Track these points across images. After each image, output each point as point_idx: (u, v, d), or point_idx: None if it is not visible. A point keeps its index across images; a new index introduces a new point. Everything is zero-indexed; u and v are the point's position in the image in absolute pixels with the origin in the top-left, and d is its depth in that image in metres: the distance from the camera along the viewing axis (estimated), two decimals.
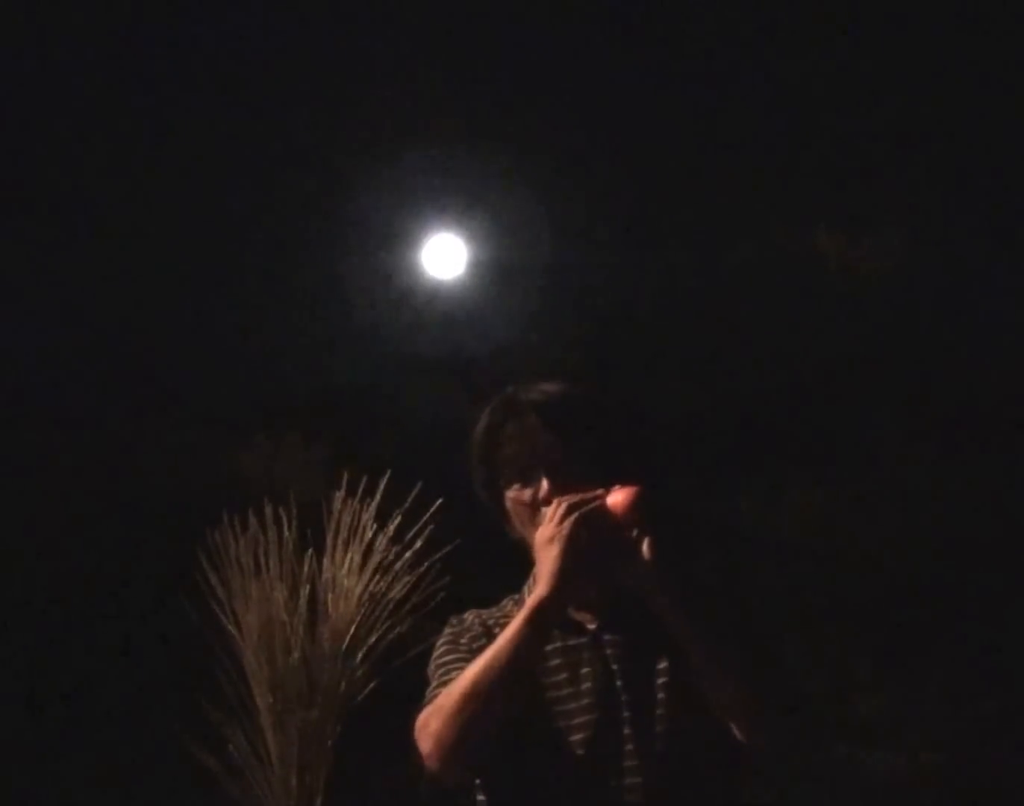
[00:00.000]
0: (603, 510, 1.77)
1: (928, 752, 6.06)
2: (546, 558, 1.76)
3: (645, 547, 1.75)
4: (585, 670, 1.83)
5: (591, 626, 1.86)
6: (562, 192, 7.15)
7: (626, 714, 1.79)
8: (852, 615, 6.42)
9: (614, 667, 1.82)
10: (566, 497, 1.78)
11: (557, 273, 7.17)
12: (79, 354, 6.86)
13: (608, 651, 1.83)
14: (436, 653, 1.92)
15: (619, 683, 1.81)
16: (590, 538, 1.75)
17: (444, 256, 7.12)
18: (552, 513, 1.78)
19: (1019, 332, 6.86)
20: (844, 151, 7.00)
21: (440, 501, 3.19)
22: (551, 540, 1.76)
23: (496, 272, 7.17)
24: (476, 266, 7.16)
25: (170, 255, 6.92)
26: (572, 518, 1.75)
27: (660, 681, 1.80)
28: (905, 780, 6.02)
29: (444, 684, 1.81)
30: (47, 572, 6.19)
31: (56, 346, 6.88)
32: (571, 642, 1.85)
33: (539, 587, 1.77)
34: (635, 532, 1.76)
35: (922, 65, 6.66)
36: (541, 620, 1.75)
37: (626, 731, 1.78)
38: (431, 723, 1.77)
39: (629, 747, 1.77)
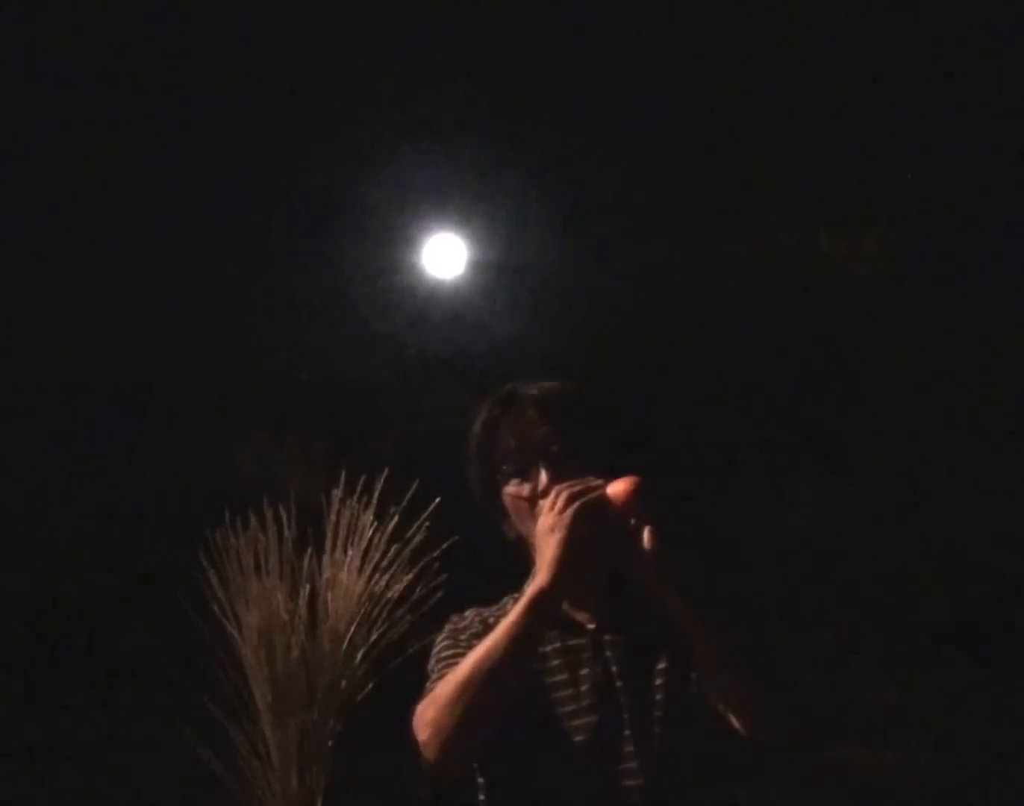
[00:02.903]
0: (603, 500, 1.76)
1: (928, 752, 6.06)
2: (546, 547, 1.76)
3: (645, 537, 1.74)
4: (585, 671, 1.83)
5: (590, 626, 1.86)
6: (562, 192, 7.16)
7: (626, 715, 1.79)
8: (852, 615, 6.42)
9: (613, 668, 1.82)
10: (565, 485, 1.78)
11: (557, 273, 7.18)
12: (78, 353, 6.87)
13: (607, 652, 1.84)
14: (436, 648, 1.93)
15: (619, 683, 1.81)
16: (590, 528, 1.75)
17: (444, 256, 7.12)
18: (552, 502, 1.77)
19: (1020, 331, 6.87)
20: (844, 151, 7.01)
21: (438, 500, 3.20)
22: (551, 529, 1.75)
23: (496, 272, 7.17)
24: (476, 266, 7.16)
25: (169, 255, 6.93)
26: (573, 508, 1.75)
27: (659, 681, 1.81)
28: (905, 780, 6.02)
29: (443, 677, 1.81)
30: (45, 571, 6.19)
31: (55, 345, 6.89)
32: (571, 642, 1.85)
33: (539, 575, 1.76)
34: (635, 522, 1.76)
35: (923, 63, 6.67)
36: (540, 609, 1.75)
37: (626, 732, 1.78)
38: (428, 712, 1.77)
39: (629, 748, 1.77)
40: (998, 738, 6.06)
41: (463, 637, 1.90)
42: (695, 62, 6.87)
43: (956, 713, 6.16)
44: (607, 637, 1.85)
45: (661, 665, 1.81)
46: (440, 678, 1.82)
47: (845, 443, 6.89)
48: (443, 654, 1.89)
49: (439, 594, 3.26)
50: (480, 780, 1.88)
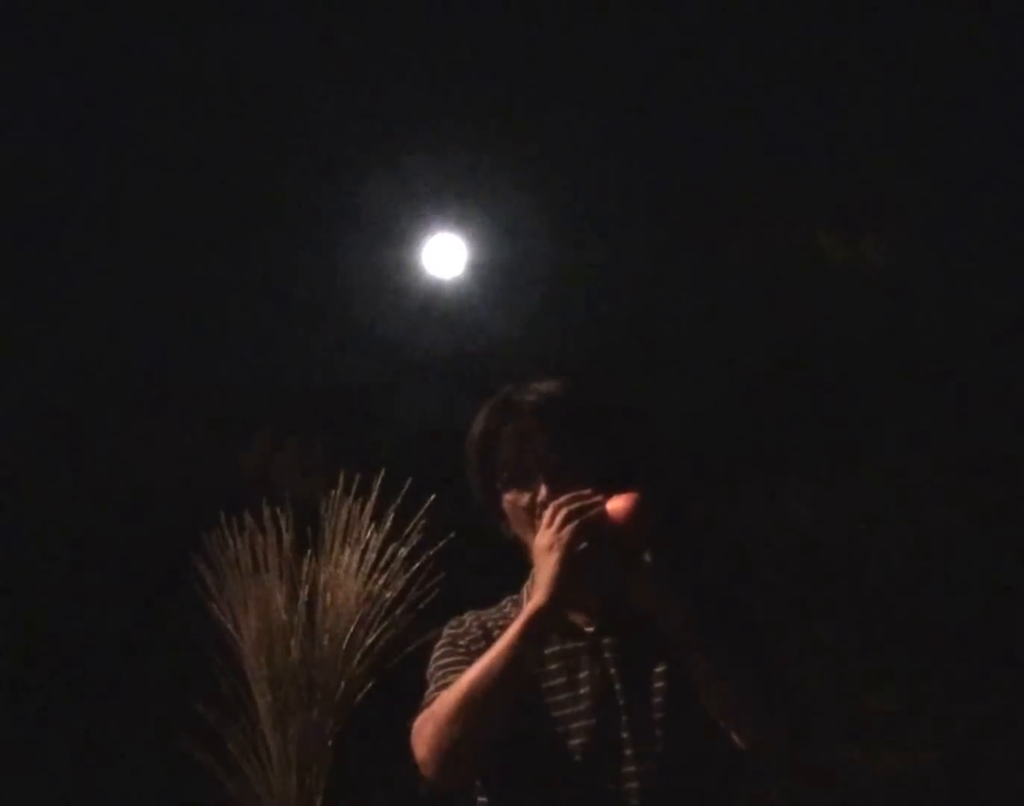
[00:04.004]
0: (603, 517, 1.73)
1: (928, 752, 6.06)
2: (544, 565, 1.74)
3: (646, 556, 1.74)
4: (583, 674, 1.82)
5: (589, 629, 1.85)
6: (562, 192, 7.16)
7: (624, 718, 1.78)
8: (853, 615, 6.42)
9: (612, 671, 1.81)
10: (564, 500, 1.75)
11: (557, 273, 7.18)
12: (77, 353, 6.87)
13: (606, 654, 1.82)
14: (434, 655, 1.91)
15: (617, 686, 1.80)
16: (590, 546, 1.73)
17: (444, 256, 7.12)
18: (550, 519, 1.75)
19: (1020, 332, 6.86)
20: (845, 151, 7.00)
21: (433, 498, 3.20)
22: (550, 547, 1.73)
23: (496, 272, 7.17)
24: (476, 266, 7.16)
25: (169, 255, 6.92)
26: (572, 526, 1.72)
27: (658, 684, 1.79)
28: (905, 780, 6.02)
29: (441, 687, 1.80)
30: (44, 571, 6.19)
31: (54, 345, 6.89)
32: (569, 646, 1.84)
33: (536, 595, 1.75)
34: (636, 540, 1.74)
35: (924, 63, 6.67)
36: (537, 628, 1.74)
37: (624, 735, 1.77)
38: (425, 729, 1.76)
39: (628, 751, 1.76)
40: (998, 738, 6.06)
41: (461, 643, 1.89)
42: (696, 62, 6.87)
43: (956, 713, 6.16)
44: (606, 640, 1.83)
45: (660, 668, 1.80)
46: (438, 688, 1.81)
47: (845, 443, 6.89)
48: (441, 662, 1.88)
49: (436, 592, 3.26)
50: (479, 782, 1.87)
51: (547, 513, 1.76)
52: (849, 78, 6.84)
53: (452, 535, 3.17)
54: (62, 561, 6.26)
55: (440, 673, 1.85)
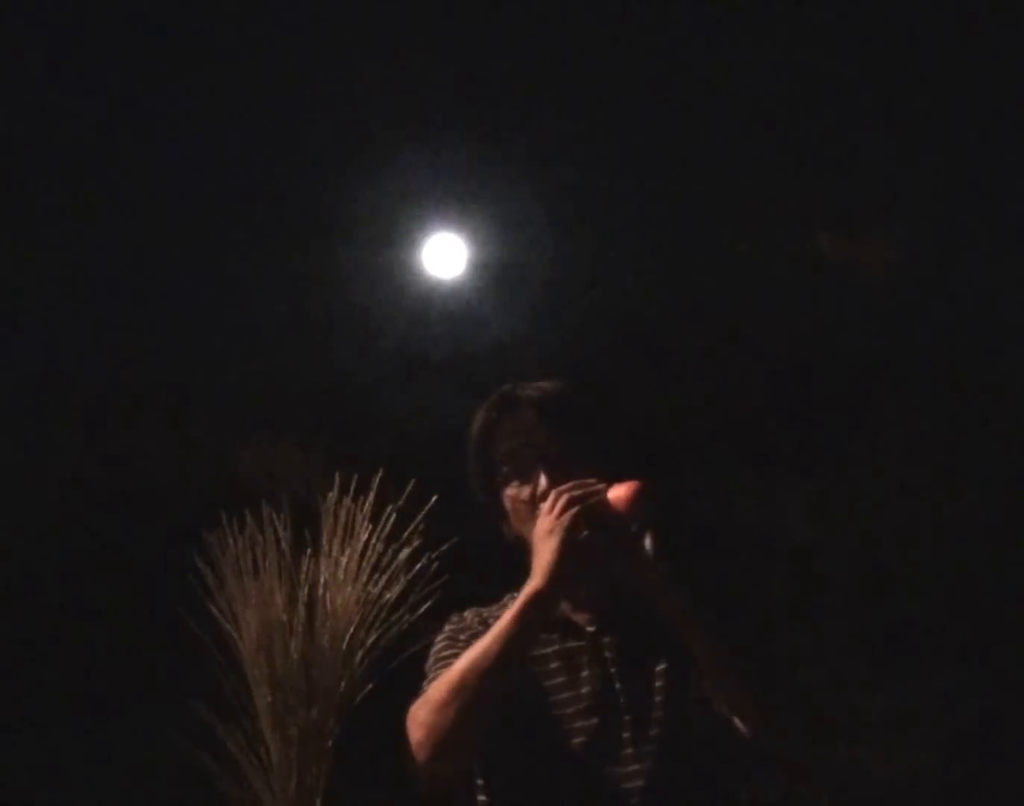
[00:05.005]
0: (604, 504, 1.73)
1: (928, 752, 6.06)
2: (543, 550, 1.73)
3: (647, 543, 1.73)
4: (584, 673, 1.82)
5: (590, 628, 1.85)
6: (563, 192, 7.15)
7: (625, 717, 1.78)
8: (853, 614, 6.42)
9: (613, 670, 1.81)
10: (565, 487, 1.75)
11: (558, 273, 7.17)
12: (77, 353, 6.87)
13: (607, 653, 1.82)
14: (434, 648, 1.91)
15: (618, 685, 1.80)
16: (590, 532, 1.73)
17: (444, 256, 7.12)
18: (551, 504, 1.75)
19: (1021, 332, 6.87)
20: (845, 150, 7.00)
21: (435, 499, 3.20)
22: (549, 532, 1.73)
23: (496, 272, 7.17)
24: (476, 266, 7.16)
25: (168, 255, 6.92)
26: (572, 511, 1.72)
27: (659, 683, 1.79)
28: (905, 780, 6.02)
29: (438, 678, 1.81)
30: (42, 571, 6.19)
31: (54, 345, 6.89)
32: (570, 644, 1.84)
33: (534, 579, 1.74)
34: (635, 527, 1.74)
35: (924, 62, 6.67)
36: (533, 613, 1.73)
37: (625, 734, 1.77)
38: (420, 713, 1.76)
39: (628, 750, 1.76)
40: (998, 738, 6.06)
41: (462, 637, 1.89)
42: (696, 62, 6.87)
43: (956, 713, 6.16)
44: (606, 639, 1.84)
45: (661, 667, 1.80)
46: (435, 678, 1.81)
47: (845, 444, 6.89)
48: (441, 654, 1.88)
49: (437, 594, 3.25)
50: (479, 781, 1.87)
51: (548, 500, 1.76)
52: (848, 77, 6.84)
53: (455, 540, 3.17)
54: (61, 561, 6.26)
55: (438, 665, 1.85)
